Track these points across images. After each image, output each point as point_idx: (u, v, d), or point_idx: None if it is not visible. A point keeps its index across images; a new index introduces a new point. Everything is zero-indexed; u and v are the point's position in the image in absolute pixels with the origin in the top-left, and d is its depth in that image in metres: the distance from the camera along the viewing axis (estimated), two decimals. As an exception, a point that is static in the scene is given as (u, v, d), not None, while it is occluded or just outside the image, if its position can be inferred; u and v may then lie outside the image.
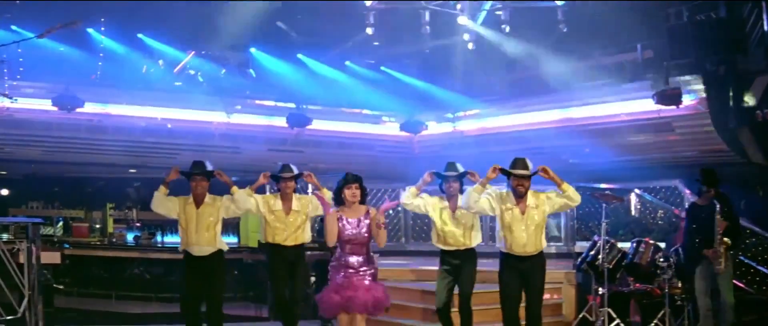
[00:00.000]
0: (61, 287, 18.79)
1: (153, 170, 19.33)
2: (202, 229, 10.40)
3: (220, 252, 10.58)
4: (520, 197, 9.77)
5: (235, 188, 10.60)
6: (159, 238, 21.16)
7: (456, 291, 10.40)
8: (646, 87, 16.86)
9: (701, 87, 16.31)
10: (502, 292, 9.86)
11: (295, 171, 11.02)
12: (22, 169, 21.31)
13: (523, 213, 9.74)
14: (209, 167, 10.56)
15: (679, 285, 11.49)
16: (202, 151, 19.59)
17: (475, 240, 10.42)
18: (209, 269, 10.42)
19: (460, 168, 10.37)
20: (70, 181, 22.90)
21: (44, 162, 19.69)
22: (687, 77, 16.35)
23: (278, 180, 11.02)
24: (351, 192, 9.17)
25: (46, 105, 17.68)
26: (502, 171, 9.76)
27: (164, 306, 17.62)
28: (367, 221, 9.12)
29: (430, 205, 10.42)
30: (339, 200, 9.25)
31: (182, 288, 10.72)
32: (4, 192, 23.50)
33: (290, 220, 10.98)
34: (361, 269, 9.12)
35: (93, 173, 21.88)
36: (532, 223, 9.73)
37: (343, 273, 9.10)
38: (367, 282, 9.07)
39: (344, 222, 9.10)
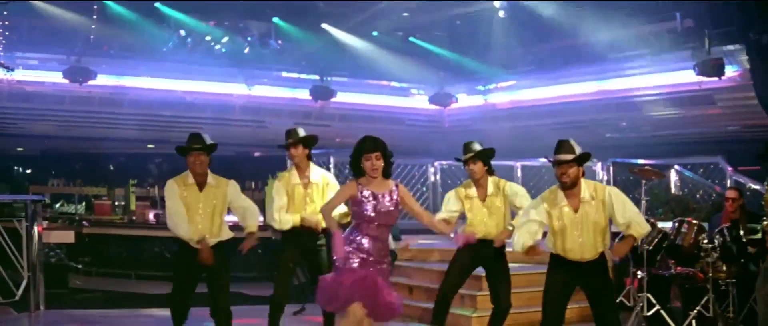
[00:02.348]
0: (80, 266, 18.38)
1: (173, 145, 18.77)
2: (212, 216, 8.58)
3: (224, 241, 8.76)
4: (569, 189, 7.82)
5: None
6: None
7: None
8: (686, 57, 16.37)
9: (745, 57, 15.74)
10: (546, 295, 8.04)
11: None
12: (37, 145, 21.01)
13: (576, 211, 7.85)
14: (209, 141, 8.64)
15: (724, 269, 10.72)
16: (223, 125, 19.29)
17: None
18: (215, 263, 8.65)
19: (477, 147, 8.96)
20: (91, 158, 22.54)
21: (59, 137, 19.46)
22: (730, 47, 15.83)
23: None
24: (371, 165, 7.24)
25: (57, 77, 17.29)
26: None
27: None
28: (396, 198, 7.33)
29: (457, 199, 9.05)
30: (358, 171, 7.35)
31: (175, 282, 8.75)
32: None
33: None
34: (383, 259, 7.42)
35: (112, 149, 21.53)
36: (588, 223, 7.82)
37: (358, 260, 7.27)
38: (384, 281, 7.34)
39: (365, 195, 7.27)
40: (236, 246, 8.74)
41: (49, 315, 12.21)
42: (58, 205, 21.63)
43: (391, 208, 7.33)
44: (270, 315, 9.19)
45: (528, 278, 11.05)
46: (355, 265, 7.28)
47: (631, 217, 7.77)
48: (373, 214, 7.29)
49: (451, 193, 9.24)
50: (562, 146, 7.82)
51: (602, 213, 7.80)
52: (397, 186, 7.43)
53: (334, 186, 9.11)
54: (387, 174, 7.40)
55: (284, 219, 9.02)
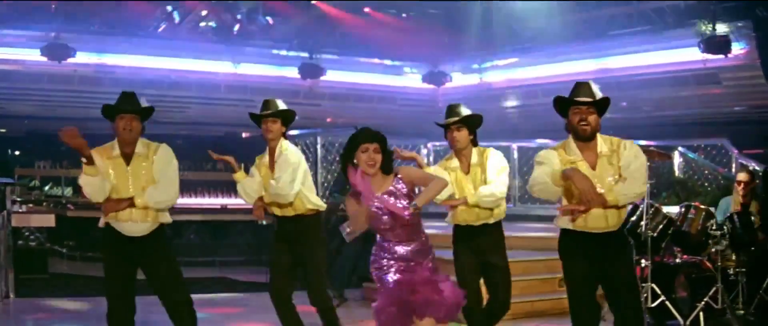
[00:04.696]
0: (64, 251, 17.92)
1: (160, 126, 18.37)
2: (137, 192, 7.06)
3: (161, 228, 7.27)
4: (586, 141, 6.64)
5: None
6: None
7: None
8: (690, 34, 15.94)
9: (752, 34, 15.37)
10: (569, 284, 6.86)
11: None
12: (19, 126, 20.60)
13: (593, 167, 6.62)
14: (145, 103, 7.21)
15: (733, 257, 10.27)
16: (210, 105, 18.87)
17: (500, 212, 7.93)
18: (151, 256, 7.21)
19: (465, 111, 7.79)
20: (77, 139, 21.89)
21: (40, 117, 18.93)
22: (736, 23, 15.42)
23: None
24: (367, 157, 6.20)
25: (34, 55, 16.77)
26: (559, 105, 6.77)
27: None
28: (403, 188, 6.29)
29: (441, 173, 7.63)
30: (344, 167, 6.37)
31: (106, 283, 7.15)
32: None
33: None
34: (420, 259, 6.38)
35: (97, 130, 20.93)
36: (609, 179, 6.57)
37: (393, 269, 6.31)
38: (429, 276, 6.31)
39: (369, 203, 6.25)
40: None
41: (18, 304, 11.81)
42: (47, 188, 21.27)
43: (404, 204, 6.21)
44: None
45: (524, 266, 10.63)
46: (394, 278, 6.29)
47: (630, 173, 6.49)
48: (385, 223, 6.27)
49: (436, 168, 7.90)
50: (581, 88, 6.68)
51: (615, 167, 6.58)
52: (397, 175, 6.33)
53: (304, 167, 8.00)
54: (388, 169, 6.32)
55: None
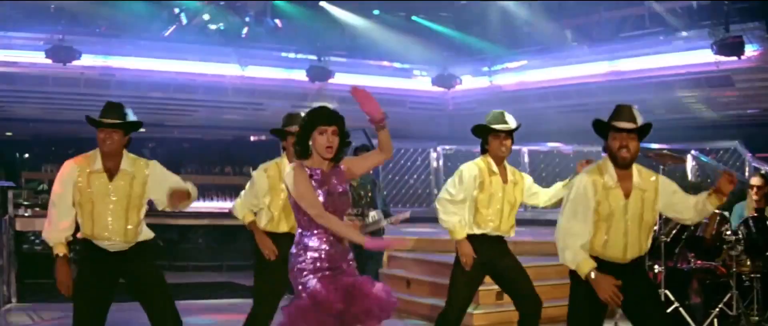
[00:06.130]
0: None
1: (166, 129, 18.35)
2: (127, 212, 6.65)
3: (144, 244, 6.87)
4: (624, 169, 6.37)
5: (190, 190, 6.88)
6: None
7: None
8: (702, 36, 15.66)
9: (766, 35, 15.08)
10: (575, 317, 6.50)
11: None
12: (24, 130, 20.55)
13: (627, 196, 6.35)
14: (131, 116, 6.71)
15: (749, 263, 10.10)
16: (218, 107, 18.77)
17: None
18: (138, 271, 6.80)
19: (512, 122, 7.58)
20: (83, 142, 21.67)
21: (46, 120, 18.85)
22: (749, 24, 15.09)
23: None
24: (326, 140, 5.66)
25: (39, 57, 16.63)
26: (598, 126, 6.44)
27: (176, 275, 16.47)
28: (343, 171, 5.87)
29: (471, 180, 7.51)
30: (302, 149, 5.75)
31: (77, 302, 6.75)
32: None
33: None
34: (350, 260, 5.87)
35: (105, 134, 21.00)
36: (637, 214, 6.37)
37: (327, 273, 5.64)
38: (362, 278, 5.73)
39: (316, 179, 5.70)
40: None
41: (20, 309, 11.71)
42: (54, 192, 21.23)
43: (342, 190, 5.78)
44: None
45: (534, 272, 10.40)
46: (319, 286, 5.55)
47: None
48: (326, 201, 5.65)
49: (467, 170, 7.62)
50: (623, 112, 6.34)
51: (653, 204, 6.43)
52: (341, 168, 5.86)
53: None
54: (339, 158, 5.81)
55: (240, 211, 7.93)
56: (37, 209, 16.38)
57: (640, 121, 6.33)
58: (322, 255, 5.64)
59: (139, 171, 6.73)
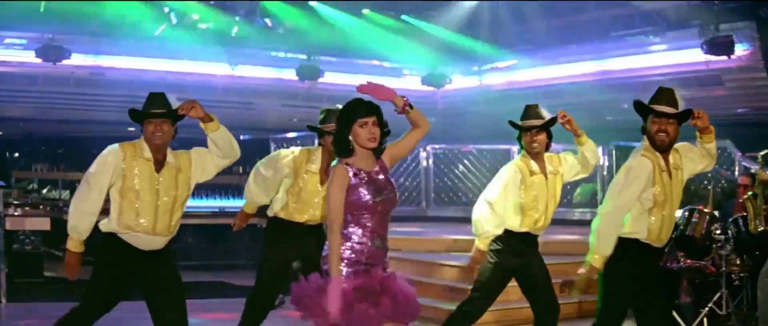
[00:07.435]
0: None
1: (156, 128, 18.28)
2: (173, 208, 6.40)
3: (170, 243, 6.56)
4: (662, 152, 6.36)
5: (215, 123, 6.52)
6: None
7: None
8: (692, 35, 15.78)
9: (755, 35, 15.16)
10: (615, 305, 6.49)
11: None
12: (15, 129, 20.52)
13: (670, 176, 6.34)
14: (176, 104, 6.35)
15: (738, 262, 10.13)
16: (208, 106, 18.58)
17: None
18: (163, 272, 6.47)
19: (545, 114, 7.33)
20: (73, 142, 21.94)
21: (36, 119, 18.92)
22: (739, 24, 15.15)
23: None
24: (368, 133, 5.44)
25: (29, 57, 16.67)
26: (639, 106, 6.38)
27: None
28: (386, 165, 5.64)
29: (512, 183, 7.23)
30: (344, 147, 5.50)
31: (90, 297, 6.53)
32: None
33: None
34: (386, 260, 5.59)
35: (95, 132, 20.97)
36: (677, 194, 6.43)
37: (355, 270, 5.39)
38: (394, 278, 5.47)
39: (360, 176, 5.46)
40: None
41: (10, 309, 11.60)
42: (45, 191, 21.19)
43: (390, 188, 5.54)
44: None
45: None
46: (360, 287, 5.34)
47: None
48: (374, 199, 5.44)
49: (509, 173, 7.28)
50: (664, 95, 6.31)
51: (683, 179, 6.44)
52: (381, 159, 5.62)
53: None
54: (381, 149, 5.59)
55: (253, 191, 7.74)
56: (28, 208, 16.38)
57: (681, 105, 6.33)
58: (363, 250, 5.42)
59: (184, 163, 6.50)
